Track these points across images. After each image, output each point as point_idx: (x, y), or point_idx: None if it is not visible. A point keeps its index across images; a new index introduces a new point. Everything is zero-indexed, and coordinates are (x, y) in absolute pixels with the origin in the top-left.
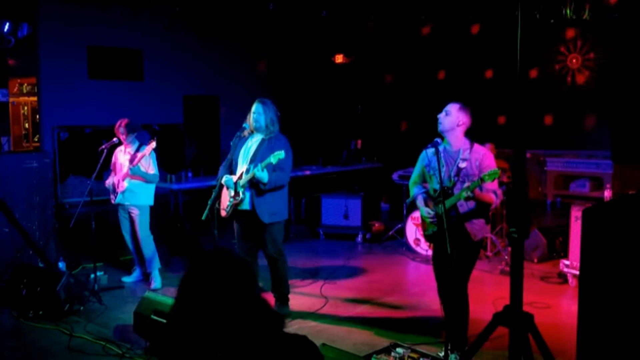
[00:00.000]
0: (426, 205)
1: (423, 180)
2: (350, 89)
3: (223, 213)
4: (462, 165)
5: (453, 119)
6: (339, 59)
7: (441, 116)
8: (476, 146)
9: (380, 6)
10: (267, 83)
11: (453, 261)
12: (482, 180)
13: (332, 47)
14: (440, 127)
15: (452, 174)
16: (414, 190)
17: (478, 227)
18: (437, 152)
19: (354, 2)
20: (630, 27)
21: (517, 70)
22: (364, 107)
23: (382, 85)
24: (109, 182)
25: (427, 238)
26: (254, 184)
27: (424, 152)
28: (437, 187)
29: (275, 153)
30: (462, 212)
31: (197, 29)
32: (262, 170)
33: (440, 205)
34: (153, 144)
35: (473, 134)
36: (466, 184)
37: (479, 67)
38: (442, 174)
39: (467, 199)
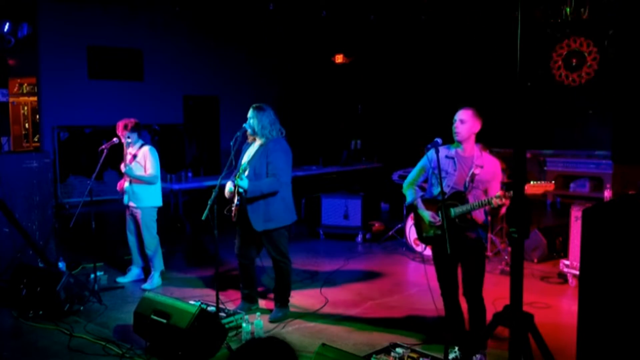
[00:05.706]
0: (426, 208)
1: (422, 181)
2: (350, 89)
3: (233, 218)
4: (477, 171)
5: (469, 126)
6: (339, 59)
7: (457, 125)
8: (485, 153)
9: (380, 6)
10: (267, 83)
11: (454, 259)
12: (488, 203)
13: (332, 47)
14: (457, 137)
15: (467, 180)
16: (408, 193)
17: (480, 218)
18: (437, 152)
19: (354, 2)
20: (630, 26)
21: (517, 70)
22: (364, 107)
23: (382, 85)
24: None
25: (425, 240)
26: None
27: (427, 154)
28: (446, 190)
29: (243, 176)
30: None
31: (197, 29)
32: (242, 178)
33: (444, 210)
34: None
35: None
36: (468, 204)
37: (478, 67)
38: (455, 179)
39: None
